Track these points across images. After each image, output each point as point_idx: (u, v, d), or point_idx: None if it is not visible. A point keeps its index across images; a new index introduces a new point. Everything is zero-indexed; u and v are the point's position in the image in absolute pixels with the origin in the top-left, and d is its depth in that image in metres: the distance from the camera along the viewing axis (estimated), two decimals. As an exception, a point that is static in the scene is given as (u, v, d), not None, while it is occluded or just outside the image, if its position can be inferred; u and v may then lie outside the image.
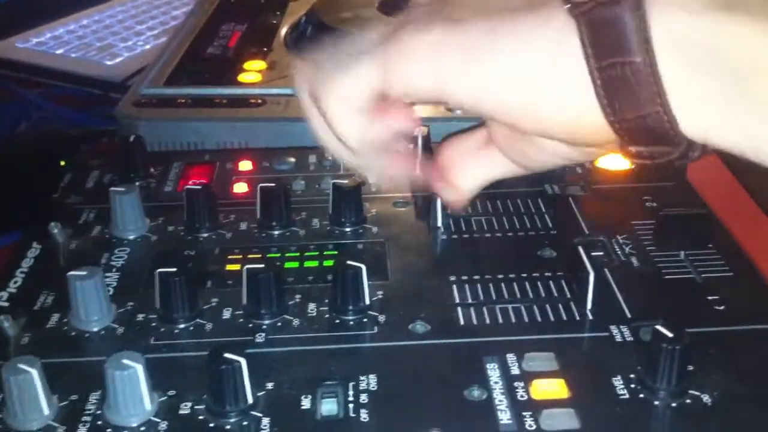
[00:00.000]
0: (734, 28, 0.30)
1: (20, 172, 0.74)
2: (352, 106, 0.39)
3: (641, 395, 0.39)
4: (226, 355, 0.38)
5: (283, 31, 0.84)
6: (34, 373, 0.37)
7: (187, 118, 0.67)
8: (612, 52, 0.32)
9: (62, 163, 0.74)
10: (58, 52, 1.04)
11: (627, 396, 0.39)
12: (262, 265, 0.45)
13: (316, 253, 0.51)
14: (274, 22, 0.87)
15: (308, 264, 0.50)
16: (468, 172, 0.43)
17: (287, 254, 0.51)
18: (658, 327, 0.40)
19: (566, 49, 0.33)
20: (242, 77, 0.73)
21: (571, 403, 0.39)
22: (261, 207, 0.53)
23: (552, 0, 0.33)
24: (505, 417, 0.38)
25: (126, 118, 0.67)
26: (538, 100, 0.34)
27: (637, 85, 0.32)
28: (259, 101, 0.69)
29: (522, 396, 0.39)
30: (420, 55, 0.36)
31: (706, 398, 0.39)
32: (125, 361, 0.38)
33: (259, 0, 0.94)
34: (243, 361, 0.38)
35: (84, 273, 0.44)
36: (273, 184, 0.53)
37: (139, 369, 0.38)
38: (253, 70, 0.75)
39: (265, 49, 0.80)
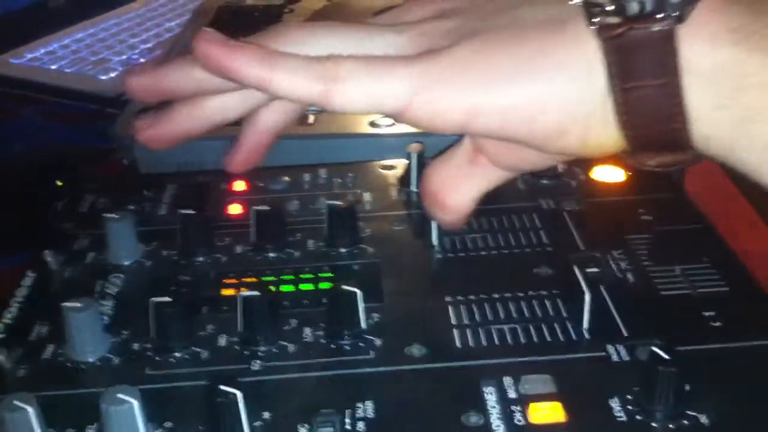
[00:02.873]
0: (757, 69, 0.31)
1: (15, 192, 0.74)
2: (359, 104, 0.36)
3: (638, 417, 0.39)
4: (222, 387, 0.38)
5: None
6: (30, 411, 0.37)
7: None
8: (639, 74, 0.32)
9: (59, 183, 0.74)
10: (53, 67, 1.04)
11: (624, 419, 0.39)
12: (257, 292, 0.45)
13: (312, 275, 0.51)
14: (268, 35, 0.87)
15: (304, 287, 0.50)
16: (459, 190, 0.42)
17: (282, 277, 0.51)
18: (655, 349, 0.40)
19: (593, 70, 0.33)
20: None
21: (569, 426, 0.39)
22: (256, 230, 0.53)
23: (574, 17, 0.33)
24: (502, 443, 0.38)
25: (122, 137, 0.67)
26: (567, 123, 0.34)
27: (660, 106, 0.32)
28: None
29: (519, 420, 0.39)
30: (452, 87, 0.35)
31: (704, 419, 0.39)
32: (121, 396, 0.38)
33: (254, 12, 0.94)
34: (239, 394, 0.38)
35: (78, 305, 0.44)
36: (268, 207, 0.53)
37: (135, 405, 0.38)
38: (247, 86, 0.74)
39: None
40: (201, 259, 0.52)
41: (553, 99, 0.34)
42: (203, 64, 0.36)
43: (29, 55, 1.07)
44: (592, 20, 0.33)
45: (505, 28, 0.35)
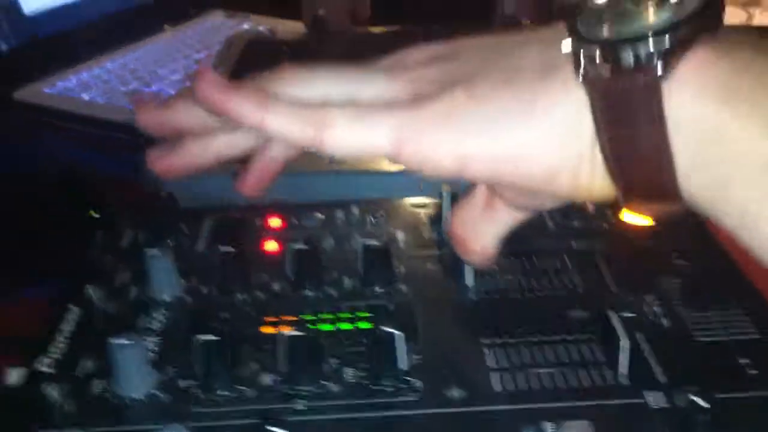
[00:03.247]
0: (737, 134, 0.31)
1: (50, 221, 0.75)
2: (349, 149, 0.37)
3: (678, 464, 0.40)
4: (271, 428, 0.39)
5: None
6: (83, 448, 0.38)
7: (217, 172, 0.68)
8: (625, 123, 0.32)
9: (92, 213, 0.75)
10: (85, 96, 1.05)
11: (664, 466, 0.40)
12: (300, 332, 0.46)
13: (350, 315, 0.52)
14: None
15: (342, 326, 0.51)
16: (481, 233, 0.43)
17: (321, 316, 0.52)
18: (693, 397, 0.40)
19: (582, 117, 0.33)
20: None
21: (609, 473, 0.40)
22: (293, 269, 0.54)
23: (564, 65, 0.33)
24: (545, 489, 0.39)
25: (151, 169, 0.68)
26: (556, 169, 0.35)
27: (647, 156, 0.32)
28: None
29: (560, 466, 0.40)
30: (441, 136, 0.35)
31: (742, 468, 0.40)
32: (171, 436, 0.39)
33: (283, 46, 0.95)
34: (287, 435, 0.39)
35: (125, 341, 0.45)
36: (305, 247, 0.54)
37: (185, 443, 0.39)
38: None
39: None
40: (239, 296, 0.53)
41: (541, 144, 0.34)
42: (202, 104, 0.38)
43: (61, 84, 1.09)
44: (580, 70, 0.33)
45: (495, 74, 0.35)
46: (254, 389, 0.46)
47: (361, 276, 0.55)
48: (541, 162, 0.35)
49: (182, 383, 0.46)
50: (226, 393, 0.45)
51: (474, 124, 0.35)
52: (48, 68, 1.11)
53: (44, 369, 0.47)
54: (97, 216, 0.76)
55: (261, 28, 1.03)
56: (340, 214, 0.63)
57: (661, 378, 0.46)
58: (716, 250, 0.57)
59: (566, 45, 0.33)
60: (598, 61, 0.32)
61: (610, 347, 0.47)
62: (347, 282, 0.55)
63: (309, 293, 0.54)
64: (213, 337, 0.45)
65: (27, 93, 1.07)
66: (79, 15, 1.21)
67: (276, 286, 0.54)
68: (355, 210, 0.63)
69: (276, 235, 0.60)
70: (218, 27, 1.31)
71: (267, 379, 0.46)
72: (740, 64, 0.31)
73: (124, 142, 0.96)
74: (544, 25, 0.37)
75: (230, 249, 0.53)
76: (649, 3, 0.32)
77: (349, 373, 0.47)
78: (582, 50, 0.32)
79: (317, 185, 0.68)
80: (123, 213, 0.62)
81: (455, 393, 0.45)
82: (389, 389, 0.45)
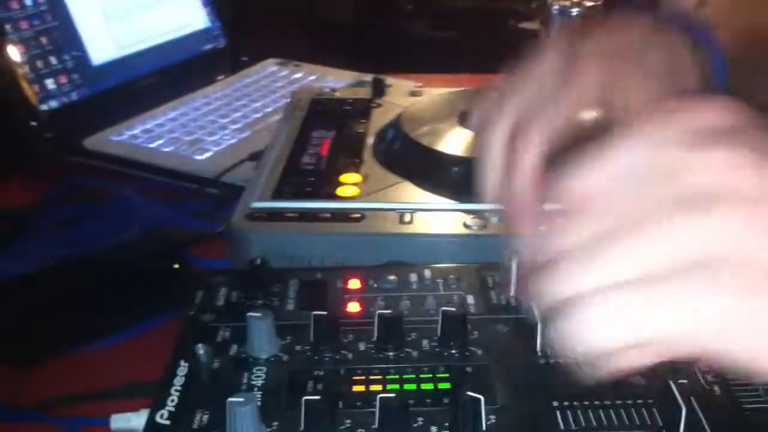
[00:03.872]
0: None
1: (134, 271, 0.81)
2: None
3: None
4: (377, 484, 0.45)
5: (370, 140, 0.92)
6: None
7: (296, 232, 0.75)
8: None
9: (176, 265, 0.81)
10: (151, 146, 1.12)
11: None
12: (393, 394, 0.52)
13: (430, 375, 0.57)
14: (361, 130, 0.94)
15: (425, 387, 0.56)
16: None
17: (404, 376, 0.57)
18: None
19: None
20: (341, 191, 0.81)
21: None
22: (379, 332, 0.60)
23: None
24: None
25: (240, 231, 0.75)
26: None
27: None
28: (358, 215, 0.76)
29: None
30: (701, 316, 0.31)
31: None
32: (292, 489, 0.44)
33: (344, 105, 1.02)
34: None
35: (242, 399, 0.51)
36: (390, 311, 0.60)
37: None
38: (349, 183, 0.82)
39: (357, 159, 0.87)
40: (330, 355, 0.59)
41: None
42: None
43: (128, 133, 1.16)
44: None
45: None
46: (351, 445, 0.51)
47: (439, 339, 0.60)
48: None
49: (288, 438, 0.52)
50: (328, 448, 0.51)
51: (744, 309, 0.31)
52: (116, 117, 1.18)
53: (162, 422, 0.53)
54: (178, 267, 0.82)
55: (327, 88, 1.09)
56: (413, 278, 0.69)
57: (716, 443, 0.51)
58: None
59: None
60: None
61: (669, 413, 0.52)
62: (426, 344, 0.61)
63: (391, 354, 0.60)
64: (317, 398, 0.51)
65: (96, 141, 1.14)
66: (143, 66, 1.28)
67: (362, 347, 0.60)
68: (428, 273, 0.69)
69: (357, 296, 0.66)
70: (272, 75, 1.38)
71: (362, 435, 0.52)
72: None
73: (190, 192, 1.02)
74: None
75: (323, 313, 0.59)
76: None
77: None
78: None
79: (389, 246, 0.74)
80: (218, 277, 0.68)
81: (531, 453, 0.51)
82: (473, 449, 0.51)
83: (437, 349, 0.60)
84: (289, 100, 1.11)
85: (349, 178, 0.83)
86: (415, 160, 0.85)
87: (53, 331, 0.74)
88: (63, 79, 1.16)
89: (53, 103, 1.15)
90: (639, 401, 0.55)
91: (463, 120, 0.89)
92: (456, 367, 0.58)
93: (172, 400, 0.55)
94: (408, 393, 0.56)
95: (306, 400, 0.51)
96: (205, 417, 0.53)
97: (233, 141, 1.13)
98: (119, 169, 1.08)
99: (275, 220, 0.76)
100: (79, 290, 0.76)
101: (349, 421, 0.53)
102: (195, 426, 0.53)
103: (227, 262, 0.79)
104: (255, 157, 1.01)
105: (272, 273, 0.68)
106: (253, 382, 0.57)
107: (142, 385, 0.65)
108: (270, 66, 1.41)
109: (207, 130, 1.16)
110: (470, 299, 0.66)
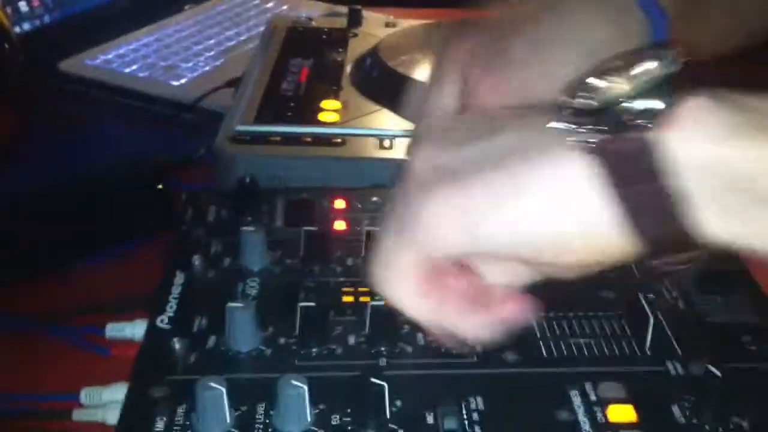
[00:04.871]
0: (756, 154, 0.32)
1: (119, 192, 0.82)
2: (410, 294, 0.40)
3: (694, 421, 0.50)
4: (373, 379, 0.48)
5: (348, 68, 0.94)
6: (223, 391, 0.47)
7: (280, 155, 0.77)
8: (637, 179, 0.34)
9: (159, 186, 0.83)
10: (127, 70, 1.12)
11: (684, 422, 0.50)
12: (382, 302, 0.55)
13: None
14: (339, 59, 0.96)
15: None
16: None
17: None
18: (710, 367, 0.50)
19: (590, 182, 0.35)
20: (321, 116, 0.83)
21: (640, 426, 0.49)
22: (368, 247, 0.63)
23: (557, 137, 0.35)
24: (591, 435, 0.49)
25: (225, 153, 0.77)
26: (570, 235, 0.36)
27: (664, 207, 0.34)
28: (340, 140, 0.79)
29: (601, 419, 0.50)
30: (448, 223, 0.37)
31: (745, 424, 0.50)
32: (294, 382, 0.48)
33: (321, 34, 1.03)
34: (385, 385, 0.48)
35: (241, 305, 0.54)
36: (378, 229, 0.63)
37: (305, 390, 0.48)
38: (329, 110, 0.84)
39: (335, 87, 0.89)
40: (319, 268, 0.62)
41: (550, 216, 0.36)
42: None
43: (102, 57, 1.15)
44: (569, 139, 0.35)
45: (484, 162, 0.37)
46: (343, 349, 0.55)
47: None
48: (552, 231, 0.36)
49: (282, 341, 0.55)
50: (319, 350, 0.54)
51: (475, 200, 0.37)
52: (87, 42, 1.18)
53: (163, 326, 0.56)
54: (162, 188, 0.84)
55: (302, 17, 1.10)
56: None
57: (679, 350, 0.55)
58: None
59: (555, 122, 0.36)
60: (589, 128, 0.35)
61: (637, 323, 0.57)
62: (409, 259, 0.64)
63: (377, 268, 0.63)
64: (312, 303, 0.54)
65: (71, 64, 1.13)
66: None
67: (350, 261, 0.63)
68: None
69: (343, 215, 0.69)
70: (243, 3, 1.38)
71: (352, 340, 0.56)
72: (739, 104, 0.33)
73: (167, 117, 1.03)
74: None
75: (314, 228, 0.62)
76: (623, 75, 0.35)
77: (420, 337, 0.56)
78: (575, 122, 0.35)
79: (370, 171, 0.77)
80: (206, 196, 0.70)
81: (510, 357, 0.54)
82: (453, 351, 0.54)
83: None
84: (263, 28, 1.12)
85: (329, 104, 0.85)
86: (393, 89, 0.87)
87: (42, 250, 0.75)
88: (35, 2, 1.16)
89: (26, 26, 1.14)
90: (609, 312, 0.59)
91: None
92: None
93: (171, 307, 0.58)
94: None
95: (301, 306, 0.54)
96: (204, 322, 0.56)
97: (207, 68, 1.14)
98: (96, 93, 1.08)
99: (259, 143, 0.78)
100: (66, 211, 0.77)
101: (340, 327, 0.56)
102: (195, 330, 0.56)
103: (209, 186, 0.80)
104: (232, 83, 1.01)
105: (260, 192, 0.70)
106: (247, 292, 0.60)
107: (135, 299, 0.67)
108: (242, -6, 1.41)
109: (181, 57, 1.16)
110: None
